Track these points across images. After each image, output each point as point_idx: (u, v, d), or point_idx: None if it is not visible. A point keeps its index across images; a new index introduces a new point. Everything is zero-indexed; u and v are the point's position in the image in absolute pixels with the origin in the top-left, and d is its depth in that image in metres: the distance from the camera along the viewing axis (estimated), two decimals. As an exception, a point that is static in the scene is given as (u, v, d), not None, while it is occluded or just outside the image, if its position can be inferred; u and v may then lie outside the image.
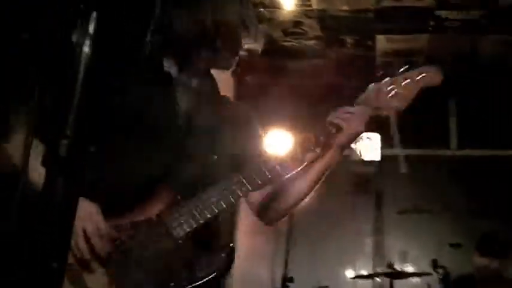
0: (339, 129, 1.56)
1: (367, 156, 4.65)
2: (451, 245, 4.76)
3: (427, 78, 1.56)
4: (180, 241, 1.47)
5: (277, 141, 4.25)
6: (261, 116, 1.91)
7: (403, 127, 4.90)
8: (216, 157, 1.61)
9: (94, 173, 0.97)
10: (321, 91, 4.80)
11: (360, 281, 4.82)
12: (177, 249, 1.47)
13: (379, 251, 4.76)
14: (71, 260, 1.37)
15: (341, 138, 1.58)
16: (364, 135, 4.74)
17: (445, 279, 4.57)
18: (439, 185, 5.01)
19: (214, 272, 1.48)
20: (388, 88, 1.56)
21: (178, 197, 1.49)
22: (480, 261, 3.76)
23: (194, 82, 1.63)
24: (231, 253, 1.52)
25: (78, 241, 1.38)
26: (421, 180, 5.02)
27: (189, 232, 1.47)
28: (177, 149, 1.57)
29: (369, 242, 4.94)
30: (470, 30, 4.39)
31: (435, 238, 4.83)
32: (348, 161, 4.66)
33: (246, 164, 1.57)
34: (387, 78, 1.57)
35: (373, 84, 1.59)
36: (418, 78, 1.55)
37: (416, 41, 4.61)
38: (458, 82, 3.94)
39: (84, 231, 1.39)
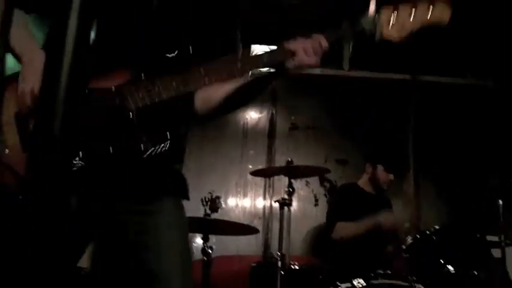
0: (292, 55, 1.59)
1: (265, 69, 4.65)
2: (338, 161, 5.04)
3: (436, 13, 1.52)
4: (131, 114, 1.51)
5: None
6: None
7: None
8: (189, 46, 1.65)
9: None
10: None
11: (250, 193, 4.99)
12: (127, 120, 1.51)
13: (270, 165, 4.90)
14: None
15: (291, 63, 1.61)
16: (264, 47, 4.70)
17: (331, 192, 4.88)
18: (329, 104, 5.19)
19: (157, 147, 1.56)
20: (392, 16, 1.54)
21: (142, 75, 1.54)
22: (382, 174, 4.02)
23: None
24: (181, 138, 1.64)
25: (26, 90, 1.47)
26: (313, 98, 5.15)
27: (142, 107, 1.51)
28: (149, 31, 1.61)
29: (261, 156, 5.04)
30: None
31: (323, 154, 5.06)
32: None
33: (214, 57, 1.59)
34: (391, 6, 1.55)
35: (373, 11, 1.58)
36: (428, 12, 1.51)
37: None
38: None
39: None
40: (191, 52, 1.66)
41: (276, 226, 4.95)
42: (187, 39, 1.67)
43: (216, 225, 3.64)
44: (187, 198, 1.70)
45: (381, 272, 3.15)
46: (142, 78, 1.53)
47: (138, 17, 1.62)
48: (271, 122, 5.13)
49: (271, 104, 5.17)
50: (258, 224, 4.83)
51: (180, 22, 1.67)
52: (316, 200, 4.96)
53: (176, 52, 1.63)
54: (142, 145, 1.52)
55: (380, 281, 2.77)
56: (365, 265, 3.31)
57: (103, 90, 1.50)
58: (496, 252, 4.83)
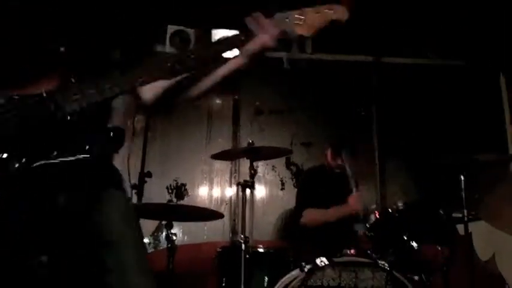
0: (251, 35, 1.66)
1: (226, 54, 4.61)
2: (303, 144, 5.03)
3: (335, 14, 1.68)
4: (69, 116, 1.53)
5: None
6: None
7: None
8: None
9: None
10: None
11: (216, 179, 4.96)
12: (64, 123, 1.53)
13: (236, 146, 4.87)
14: None
15: (250, 45, 1.68)
16: (224, 32, 4.68)
17: (297, 175, 4.88)
18: (293, 87, 5.17)
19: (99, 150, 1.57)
20: (296, 16, 1.68)
21: (73, 80, 1.57)
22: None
23: None
24: (119, 134, 1.61)
25: None
26: (277, 82, 5.13)
27: (79, 110, 1.54)
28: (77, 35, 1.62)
29: (226, 142, 5.00)
30: None
31: (289, 137, 5.05)
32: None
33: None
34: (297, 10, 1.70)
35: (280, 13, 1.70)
36: (327, 12, 1.68)
37: None
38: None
39: None
40: (120, 54, 1.70)
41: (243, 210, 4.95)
42: (116, 41, 1.70)
43: (180, 212, 3.59)
44: (123, 190, 1.72)
45: (347, 251, 3.17)
46: (73, 81, 1.56)
47: (66, 21, 1.63)
48: (235, 107, 5.09)
49: (234, 89, 5.13)
50: (225, 209, 4.81)
51: (108, 26, 1.69)
52: (283, 184, 4.95)
53: (107, 55, 1.67)
54: (82, 144, 1.55)
55: (343, 258, 2.76)
56: (332, 246, 3.30)
57: (33, 96, 1.53)
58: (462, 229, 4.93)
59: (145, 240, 4.08)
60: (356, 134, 4.74)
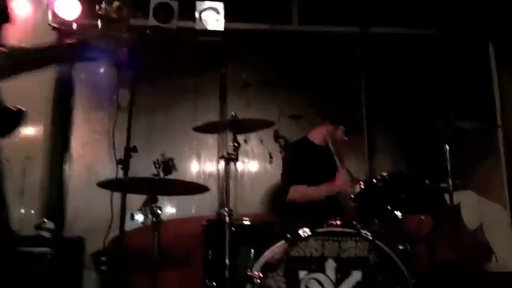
0: None
1: (210, 26, 4.57)
2: (291, 117, 5.00)
3: None
4: None
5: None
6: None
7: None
8: None
9: None
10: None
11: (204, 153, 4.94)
12: None
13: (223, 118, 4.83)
14: None
15: None
16: (208, 3, 4.60)
17: (285, 148, 4.84)
18: (281, 60, 5.11)
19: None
20: None
21: None
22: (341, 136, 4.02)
23: None
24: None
25: None
26: (264, 54, 5.07)
27: None
28: None
29: (213, 115, 4.96)
30: None
31: (277, 110, 5.01)
32: (192, 31, 4.57)
33: None
34: None
35: None
36: None
37: None
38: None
39: None
40: None
41: (231, 184, 4.93)
42: None
43: (165, 186, 3.58)
44: None
45: (332, 221, 3.17)
46: None
47: None
48: (222, 80, 5.04)
49: (221, 62, 5.07)
50: (213, 184, 4.79)
51: None
52: (271, 158, 4.93)
53: None
54: None
55: (325, 229, 2.76)
56: (319, 217, 3.30)
57: None
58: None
59: (136, 217, 4.06)
60: (345, 107, 4.73)
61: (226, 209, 3.16)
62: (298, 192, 3.79)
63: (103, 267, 4.25)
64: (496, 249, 4.81)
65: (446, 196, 4.77)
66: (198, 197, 4.55)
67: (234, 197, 4.91)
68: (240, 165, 4.95)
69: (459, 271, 3.60)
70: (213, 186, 4.60)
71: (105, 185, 3.53)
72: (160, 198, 4.25)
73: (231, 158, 3.17)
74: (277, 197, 4.31)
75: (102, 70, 4.93)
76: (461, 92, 4.98)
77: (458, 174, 4.83)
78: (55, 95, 4.70)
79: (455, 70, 5.02)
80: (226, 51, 4.95)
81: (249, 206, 4.89)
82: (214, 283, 3.28)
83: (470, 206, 4.94)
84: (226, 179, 3.28)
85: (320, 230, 2.73)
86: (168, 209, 4.78)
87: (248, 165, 4.97)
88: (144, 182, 3.47)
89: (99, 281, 4.30)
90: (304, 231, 2.70)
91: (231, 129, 3.27)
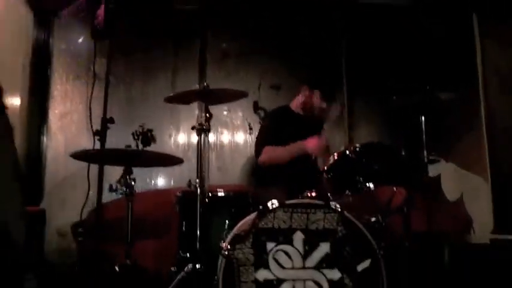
0: None
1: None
2: (272, 87, 4.94)
3: None
4: None
5: None
6: None
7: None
8: None
9: None
10: None
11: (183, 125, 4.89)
12: None
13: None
14: None
15: None
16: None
17: (265, 119, 4.80)
18: (261, 29, 5.02)
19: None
20: None
21: None
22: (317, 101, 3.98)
23: None
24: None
25: None
26: (245, 22, 4.98)
27: None
28: None
29: (193, 86, 4.89)
30: None
31: (256, 81, 4.95)
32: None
33: None
34: None
35: None
36: None
37: None
38: None
39: None
40: None
41: (211, 156, 4.91)
42: None
43: (138, 157, 3.54)
44: None
45: (308, 193, 3.16)
46: None
47: None
48: (202, 51, 4.96)
49: (201, 32, 4.98)
50: (192, 155, 4.74)
51: None
52: (251, 129, 4.89)
53: None
54: None
55: (294, 201, 2.73)
56: (295, 188, 3.28)
57: None
58: (433, 171, 4.94)
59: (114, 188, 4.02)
60: (326, 78, 4.67)
61: (197, 180, 3.13)
62: (268, 152, 3.77)
63: (80, 238, 4.25)
64: (476, 220, 4.83)
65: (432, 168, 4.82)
66: (177, 169, 4.55)
67: (215, 168, 4.90)
68: (220, 137, 4.92)
69: (437, 243, 3.61)
70: (193, 158, 4.57)
71: (78, 156, 3.50)
72: (139, 170, 4.25)
73: (202, 129, 3.12)
74: (256, 166, 4.29)
75: (80, 40, 4.85)
76: (443, 63, 4.93)
77: (440, 146, 4.85)
78: (32, 64, 4.61)
79: (437, 41, 4.97)
80: (204, 20, 4.87)
81: (229, 177, 4.88)
82: (187, 254, 3.27)
83: (451, 178, 4.94)
84: (198, 150, 3.24)
85: (288, 202, 2.70)
86: (148, 181, 4.75)
87: (228, 137, 4.93)
88: (117, 153, 3.43)
89: (77, 251, 4.30)
90: (273, 203, 2.68)
91: (202, 100, 3.21)
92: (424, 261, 3.38)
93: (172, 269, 3.24)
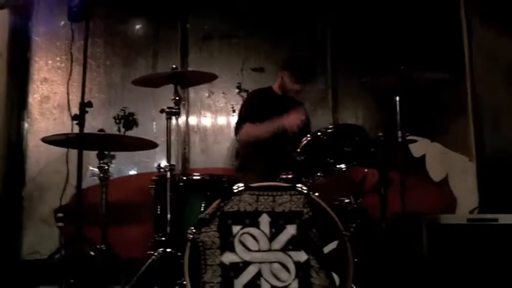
0: None
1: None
2: (254, 69, 4.89)
3: None
4: None
5: None
6: None
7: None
8: None
9: None
10: None
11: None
12: None
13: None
14: None
15: None
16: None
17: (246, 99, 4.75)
18: (244, 10, 4.96)
19: None
20: None
21: None
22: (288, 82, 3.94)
23: None
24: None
25: None
26: (226, 5, 4.92)
27: None
28: None
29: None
30: None
31: (239, 63, 4.90)
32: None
33: None
34: None
35: None
36: None
37: None
38: None
39: None
40: None
41: (195, 139, 4.89)
42: None
43: (112, 142, 3.52)
44: None
45: (283, 176, 3.14)
46: None
47: None
48: (184, 32, 4.92)
49: (182, 14, 4.93)
50: (175, 140, 4.72)
51: None
52: (234, 112, 4.85)
53: None
54: None
55: (260, 183, 2.70)
56: (271, 171, 3.26)
57: None
58: (416, 151, 4.90)
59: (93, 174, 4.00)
60: (310, 58, 4.63)
61: (166, 164, 3.12)
62: (247, 128, 3.75)
63: (61, 224, 4.25)
64: (461, 200, 4.80)
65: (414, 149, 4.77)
66: (159, 153, 4.52)
67: (198, 151, 4.88)
68: (203, 119, 4.90)
69: (414, 223, 3.58)
70: (174, 141, 4.56)
71: (50, 141, 3.48)
72: (119, 154, 4.23)
73: (171, 112, 3.09)
74: (238, 151, 4.27)
75: (61, 23, 4.80)
76: (429, 42, 4.86)
77: (425, 126, 4.81)
78: (10, 48, 4.56)
79: (423, 19, 4.90)
80: (186, 2, 4.82)
81: (214, 160, 4.86)
82: (162, 238, 3.26)
83: (436, 158, 4.91)
84: (167, 134, 3.21)
85: (254, 184, 2.67)
86: (129, 166, 4.75)
87: (211, 120, 4.90)
88: (92, 138, 3.40)
89: (59, 237, 4.31)
90: (238, 186, 2.65)
91: (172, 82, 3.18)
92: (400, 242, 3.36)
93: (148, 253, 3.24)
